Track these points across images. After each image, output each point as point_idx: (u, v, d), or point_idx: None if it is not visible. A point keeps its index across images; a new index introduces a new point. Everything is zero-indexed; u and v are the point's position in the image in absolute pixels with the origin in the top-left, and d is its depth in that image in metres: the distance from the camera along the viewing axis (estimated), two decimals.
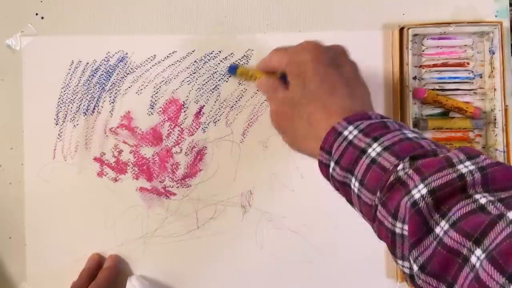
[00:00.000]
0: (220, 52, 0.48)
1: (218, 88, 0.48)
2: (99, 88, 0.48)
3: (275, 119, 0.41)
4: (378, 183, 0.30)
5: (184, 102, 0.48)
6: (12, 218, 0.48)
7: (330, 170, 0.34)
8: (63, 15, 0.49)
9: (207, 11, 0.49)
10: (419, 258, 0.27)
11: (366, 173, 0.31)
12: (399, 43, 0.47)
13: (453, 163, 0.28)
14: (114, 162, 0.48)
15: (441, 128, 0.47)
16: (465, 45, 0.48)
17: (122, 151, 0.48)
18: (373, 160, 0.31)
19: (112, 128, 0.48)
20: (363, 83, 0.39)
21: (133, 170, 0.48)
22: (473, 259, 0.25)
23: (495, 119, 0.47)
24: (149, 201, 0.48)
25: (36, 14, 0.48)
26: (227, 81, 0.48)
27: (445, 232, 0.26)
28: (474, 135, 0.48)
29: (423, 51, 0.48)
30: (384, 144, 0.31)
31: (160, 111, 0.48)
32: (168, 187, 0.48)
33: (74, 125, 0.48)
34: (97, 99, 0.48)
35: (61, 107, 0.48)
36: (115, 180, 0.48)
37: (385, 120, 0.33)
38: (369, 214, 0.31)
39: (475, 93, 0.48)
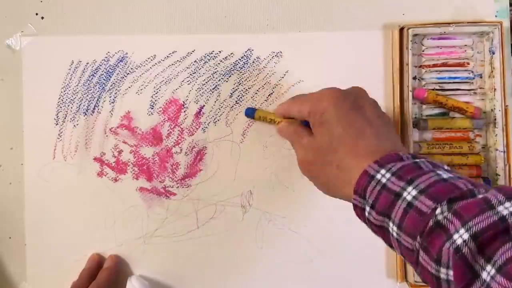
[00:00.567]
0: (220, 52, 0.48)
1: (218, 88, 0.48)
2: (99, 88, 0.48)
3: (304, 168, 0.41)
4: (417, 227, 0.29)
5: (184, 102, 0.48)
6: (12, 218, 0.48)
7: (366, 214, 0.33)
8: (63, 15, 0.49)
9: (207, 11, 0.49)
10: None
11: (403, 217, 0.30)
12: (399, 43, 0.47)
13: (493, 205, 0.27)
14: (114, 162, 0.48)
15: (441, 128, 0.47)
16: (465, 45, 0.48)
17: (122, 151, 0.48)
18: (410, 204, 0.30)
19: (112, 128, 0.48)
20: (387, 120, 0.39)
21: (133, 170, 0.48)
22: None
23: (495, 119, 0.47)
24: (149, 201, 0.48)
25: (36, 14, 0.48)
26: (227, 81, 0.48)
27: (492, 278, 0.26)
28: (474, 135, 0.48)
29: (423, 51, 0.48)
30: (419, 187, 0.30)
31: (160, 111, 0.48)
32: (168, 187, 0.48)
33: (74, 125, 0.48)
34: (97, 99, 0.48)
35: (61, 107, 0.48)
36: (115, 180, 0.48)
37: (417, 160, 0.33)
38: (411, 258, 0.31)
39: (475, 93, 0.48)
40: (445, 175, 0.31)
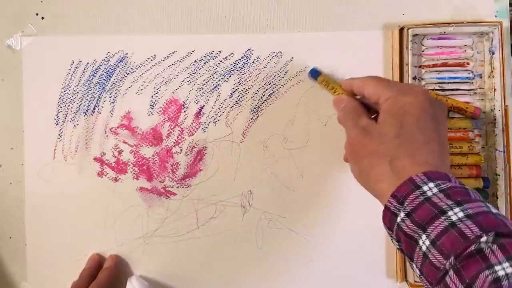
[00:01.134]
0: (220, 52, 0.48)
1: (218, 88, 0.48)
2: (99, 88, 0.48)
3: (351, 147, 0.39)
4: (454, 248, 0.29)
5: (184, 102, 0.48)
6: (12, 218, 0.48)
7: (398, 219, 0.33)
8: (63, 15, 0.49)
9: (207, 11, 0.49)
10: None
11: (441, 234, 0.30)
12: (399, 43, 0.47)
13: None
14: (114, 162, 0.48)
15: None
16: (465, 45, 0.48)
17: (122, 151, 0.48)
18: (453, 224, 0.30)
19: (112, 128, 0.48)
20: (448, 149, 0.39)
21: (133, 170, 0.48)
22: None
23: (494, 119, 0.47)
24: (149, 201, 0.48)
25: (36, 14, 0.48)
26: (227, 81, 0.48)
27: None
28: (474, 135, 0.48)
29: (423, 51, 0.48)
30: (467, 211, 0.30)
31: (160, 111, 0.48)
32: (168, 187, 0.48)
33: (74, 125, 0.48)
34: (97, 99, 0.48)
35: (61, 107, 0.48)
36: (115, 180, 0.48)
37: (467, 187, 0.33)
38: (432, 275, 0.31)
39: (475, 93, 0.48)
40: (494, 210, 0.31)
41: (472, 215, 0.30)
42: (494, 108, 0.47)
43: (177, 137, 0.48)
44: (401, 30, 0.47)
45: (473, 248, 0.29)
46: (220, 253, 0.48)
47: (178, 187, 0.48)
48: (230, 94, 0.48)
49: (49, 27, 0.49)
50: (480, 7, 0.49)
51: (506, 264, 0.27)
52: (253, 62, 0.48)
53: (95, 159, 0.48)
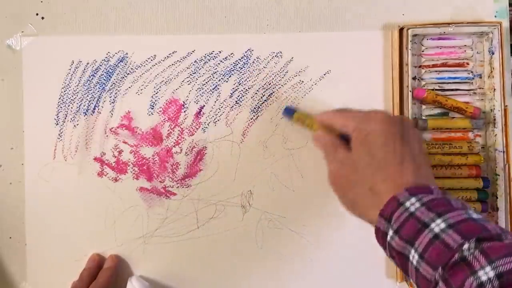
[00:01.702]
0: (220, 52, 0.48)
1: (218, 88, 0.48)
2: (99, 88, 0.48)
3: (334, 181, 0.40)
4: (441, 259, 0.30)
5: (184, 102, 0.48)
6: (12, 218, 0.48)
7: (388, 238, 0.34)
8: (63, 15, 0.49)
9: (207, 11, 0.49)
10: None
11: (427, 247, 0.31)
12: (398, 44, 0.47)
13: None
14: (114, 162, 0.48)
15: (440, 128, 0.47)
16: (465, 46, 0.48)
17: (122, 151, 0.48)
18: (436, 236, 0.31)
19: (112, 128, 0.48)
20: (427, 159, 0.39)
21: (133, 170, 0.48)
22: None
23: (494, 119, 0.47)
24: (149, 201, 0.48)
25: (36, 14, 0.48)
26: (227, 81, 0.48)
27: None
28: (474, 135, 0.48)
29: (422, 51, 0.48)
30: (448, 221, 0.31)
31: (160, 111, 0.48)
32: (168, 187, 0.48)
33: (74, 125, 0.48)
34: (97, 99, 0.48)
35: (61, 107, 0.48)
36: (115, 180, 0.48)
37: (448, 197, 0.34)
38: (426, 287, 0.32)
39: (474, 93, 0.48)
40: (475, 216, 0.32)
41: (453, 224, 0.31)
42: (494, 108, 0.47)
43: (177, 137, 0.48)
44: (401, 30, 0.47)
45: (457, 257, 0.30)
46: (220, 253, 0.48)
47: (178, 187, 0.48)
48: (230, 94, 0.48)
49: (49, 27, 0.49)
50: (480, 7, 0.49)
51: (488, 269, 0.28)
52: (253, 62, 0.48)
53: (95, 159, 0.48)
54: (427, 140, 0.48)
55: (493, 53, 0.47)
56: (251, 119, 0.48)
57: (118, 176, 0.48)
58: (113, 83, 0.48)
